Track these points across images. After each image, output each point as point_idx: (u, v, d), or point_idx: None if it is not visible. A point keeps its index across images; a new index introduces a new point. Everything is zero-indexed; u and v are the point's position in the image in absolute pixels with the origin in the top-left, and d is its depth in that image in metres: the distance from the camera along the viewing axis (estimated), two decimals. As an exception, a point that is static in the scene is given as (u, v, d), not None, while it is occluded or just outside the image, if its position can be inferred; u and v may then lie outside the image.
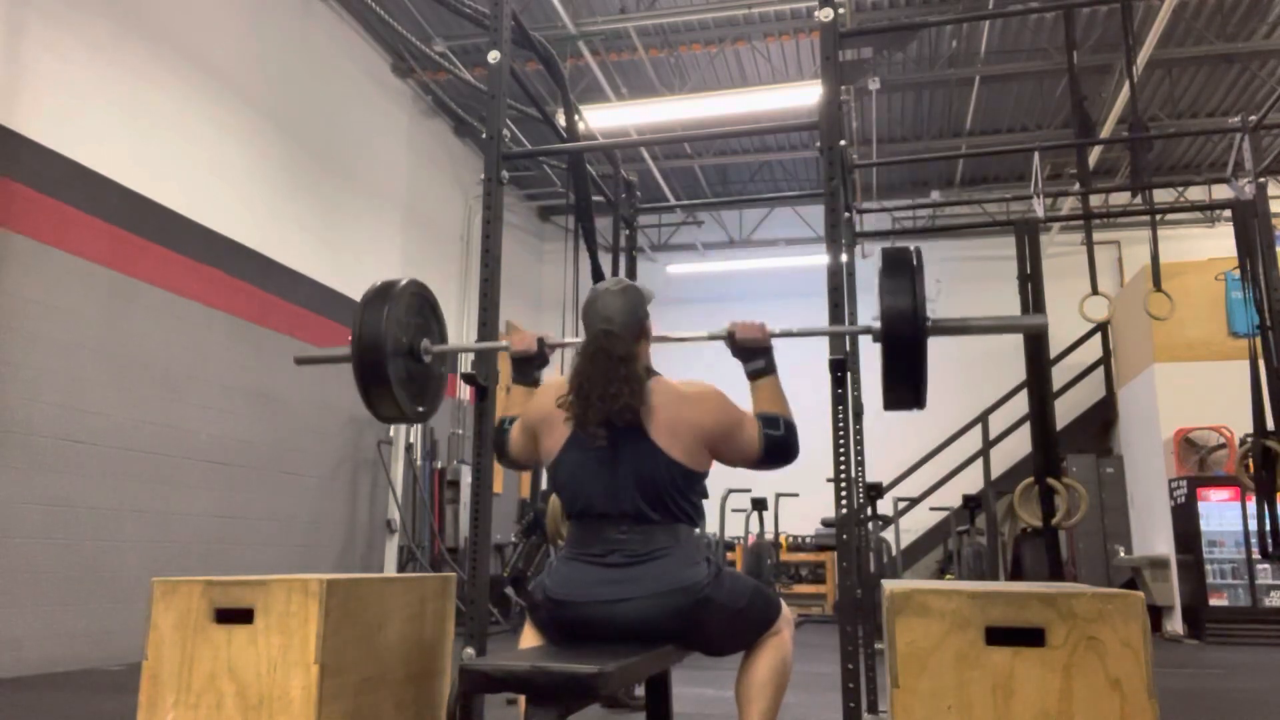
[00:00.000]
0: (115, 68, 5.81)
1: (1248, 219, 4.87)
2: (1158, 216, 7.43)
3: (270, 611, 2.07)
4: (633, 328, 2.28)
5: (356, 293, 9.31)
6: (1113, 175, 11.29)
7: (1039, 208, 9.29)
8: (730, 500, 9.48)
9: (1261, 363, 4.82)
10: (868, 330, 2.34)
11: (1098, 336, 10.90)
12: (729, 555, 10.34)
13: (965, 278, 11.89)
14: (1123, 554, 9.53)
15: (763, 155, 11.29)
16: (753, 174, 11.80)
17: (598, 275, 4.37)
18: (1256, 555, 7.11)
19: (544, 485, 9.19)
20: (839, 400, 2.52)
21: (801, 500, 9.87)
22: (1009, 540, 10.72)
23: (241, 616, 2.09)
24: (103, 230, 5.64)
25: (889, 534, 9.92)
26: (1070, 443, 10.28)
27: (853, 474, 2.80)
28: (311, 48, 7.88)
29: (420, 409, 2.72)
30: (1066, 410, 10.16)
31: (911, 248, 2.33)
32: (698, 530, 2.30)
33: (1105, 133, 8.54)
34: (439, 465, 8.99)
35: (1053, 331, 5.45)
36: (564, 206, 11.65)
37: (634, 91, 9.33)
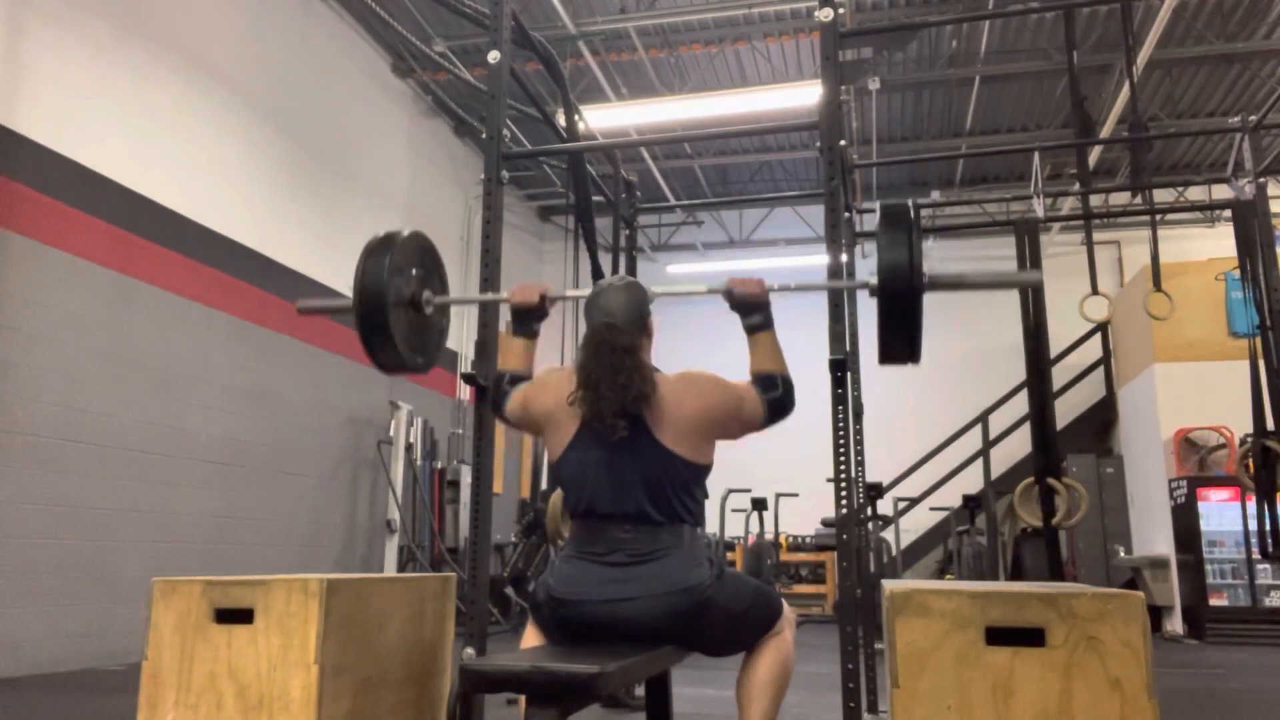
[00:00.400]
0: (115, 68, 5.81)
1: (1248, 219, 4.88)
2: (1158, 216, 7.44)
3: (270, 611, 2.07)
4: (635, 322, 2.29)
5: (356, 293, 9.08)
6: (1113, 175, 11.29)
7: (1039, 208, 9.30)
8: (730, 500, 9.48)
9: (1261, 363, 4.82)
10: (865, 285, 2.35)
11: (1098, 336, 10.90)
12: (729, 555, 10.34)
13: (965, 278, 11.89)
14: (1123, 554, 9.53)
15: (763, 155, 11.29)
16: (753, 174, 11.80)
17: (598, 275, 4.37)
18: (1256, 555, 7.11)
19: (544, 485, 9.21)
20: (839, 400, 2.52)
21: (801, 500, 9.88)
22: (1009, 540, 10.72)
23: (241, 616, 2.09)
24: (103, 230, 5.64)
25: (889, 534, 9.92)
26: (1070, 443, 10.28)
27: (853, 474, 2.80)
28: (311, 48, 7.88)
29: (420, 359, 2.71)
30: (1066, 410, 10.16)
31: (909, 202, 2.32)
32: (699, 531, 2.30)
33: (1105, 133, 8.54)
34: (439, 465, 8.99)
35: (1053, 331, 5.45)
36: (564, 206, 11.65)
37: (634, 91, 9.33)
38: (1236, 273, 5.17)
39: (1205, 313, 8.72)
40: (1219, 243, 10.12)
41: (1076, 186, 6.81)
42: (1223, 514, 8.25)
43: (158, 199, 6.09)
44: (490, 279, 2.88)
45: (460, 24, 8.24)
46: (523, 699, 1.81)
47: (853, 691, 2.38)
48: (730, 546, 10.52)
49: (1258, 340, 4.82)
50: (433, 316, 2.76)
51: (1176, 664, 6.53)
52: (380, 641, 2.27)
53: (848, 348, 4.28)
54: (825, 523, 10.16)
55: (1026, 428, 5.75)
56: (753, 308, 2.35)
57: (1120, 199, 10.65)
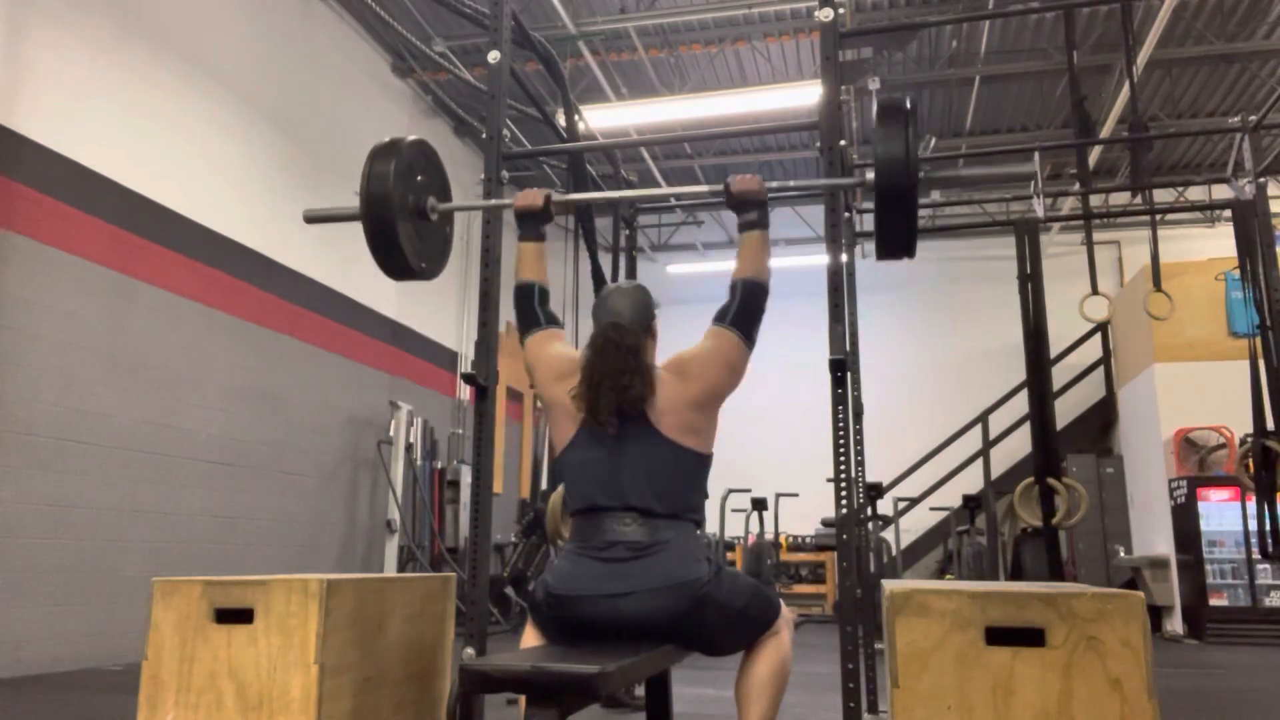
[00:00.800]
0: (115, 68, 5.81)
1: (1248, 219, 4.87)
2: (1158, 216, 7.43)
3: (270, 611, 2.07)
4: (640, 323, 2.37)
5: (357, 292, 9.27)
6: (1113, 175, 11.29)
7: (1039, 208, 9.29)
8: (730, 500, 9.49)
9: (1261, 363, 4.82)
10: (861, 183, 2.38)
11: (1098, 336, 10.91)
12: (729, 555, 10.34)
13: (965, 278, 11.91)
14: (1123, 554, 9.53)
15: (763, 155, 11.29)
16: (752, 174, 11.79)
17: (598, 275, 4.37)
18: (1256, 555, 7.11)
19: (544, 485, 9.21)
20: (839, 400, 2.52)
21: (801, 500, 9.88)
22: (1009, 540, 10.72)
23: (241, 616, 2.09)
24: (103, 230, 5.64)
25: (889, 534, 9.92)
26: (1070, 443, 10.29)
27: (853, 474, 2.80)
28: (311, 48, 7.88)
29: (424, 265, 2.73)
30: (1066, 410, 10.16)
31: (906, 97, 2.35)
32: (699, 531, 2.30)
33: (1105, 133, 8.54)
34: (439, 465, 8.99)
35: (1053, 331, 5.45)
36: (559, 210, 11.62)
37: (634, 91, 9.33)
38: (1236, 273, 5.17)
39: (1205, 313, 8.72)
40: (1219, 243, 10.13)
41: (1076, 186, 6.81)
42: (1223, 514, 8.25)
43: (158, 199, 6.09)
44: (490, 279, 2.88)
45: (460, 24, 8.24)
46: (523, 699, 1.81)
47: (853, 691, 2.38)
48: (730, 546, 10.52)
49: (1258, 340, 4.82)
50: (438, 223, 2.78)
51: (1176, 664, 6.53)
52: (380, 641, 2.27)
53: (847, 348, 4.28)
54: (825, 523, 10.17)
55: (1026, 428, 5.74)
56: (750, 204, 2.42)
57: (1120, 199, 10.66)
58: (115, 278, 5.70)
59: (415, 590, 2.48)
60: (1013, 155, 9.68)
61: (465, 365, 9.80)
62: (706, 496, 2.35)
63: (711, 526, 9.58)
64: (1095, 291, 6.17)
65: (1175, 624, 8.65)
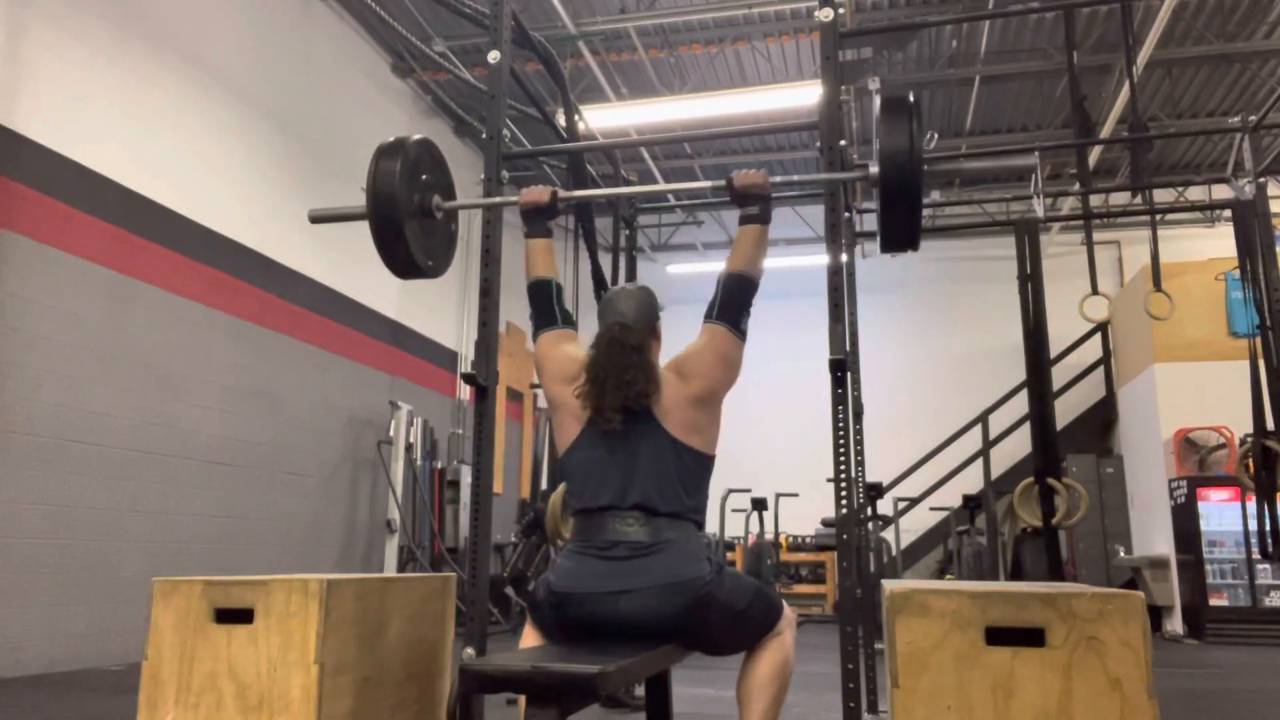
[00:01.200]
0: (115, 68, 5.81)
1: (1248, 219, 4.88)
2: (1158, 216, 7.43)
3: (270, 611, 2.07)
4: (645, 324, 2.38)
5: (356, 292, 9.26)
6: (1113, 175, 11.29)
7: (1039, 208, 9.28)
8: (730, 500, 9.48)
9: (1261, 363, 4.82)
10: (865, 176, 2.37)
11: (1098, 336, 10.91)
12: (729, 555, 10.34)
13: (965, 278, 11.91)
14: (1123, 554, 9.54)
15: (763, 155, 11.29)
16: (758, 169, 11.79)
17: (598, 275, 4.38)
18: (1256, 555, 7.11)
19: (544, 485, 9.21)
20: (839, 400, 2.52)
21: (801, 500, 9.88)
22: (1009, 540, 10.72)
23: (241, 616, 2.09)
24: (103, 230, 5.64)
25: (889, 534, 9.93)
26: (1070, 443, 10.29)
27: (853, 474, 2.80)
28: (311, 48, 7.88)
29: (431, 263, 2.74)
30: (1066, 410, 10.16)
31: (909, 92, 2.36)
32: (700, 531, 2.31)
33: (1105, 133, 8.54)
34: (439, 465, 8.99)
35: (1053, 331, 5.45)
36: (564, 207, 11.63)
37: (634, 91, 9.33)
38: (1236, 273, 5.17)
39: (1205, 313, 8.73)
40: (1219, 243, 10.12)
41: (1076, 186, 6.81)
42: (1223, 514, 8.25)
43: (158, 199, 6.09)
44: (490, 279, 2.88)
45: (460, 24, 8.24)
46: (523, 699, 1.81)
47: (853, 691, 2.38)
48: (730, 546, 10.52)
49: (1258, 340, 4.82)
50: (443, 222, 2.79)
51: (1176, 664, 6.53)
52: (380, 641, 2.27)
53: (847, 348, 4.28)
54: (825, 523, 10.17)
55: (1026, 428, 5.75)
56: (753, 198, 2.43)
57: (1120, 199, 10.66)
58: (115, 278, 5.70)
59: (415, 590, 2.48)
60: (1013, 151, 9.70)
61: (465, 365, 9.80)
62: (707, 498, 2.35)
63: (711, 526, 9.58)
64: (1095, 291, 6.18)
65: (1175, 624, 8.65)
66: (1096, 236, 7.52)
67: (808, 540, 11.25)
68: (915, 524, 10.90)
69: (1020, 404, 9.84)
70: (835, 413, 2.51)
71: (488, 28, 3.15)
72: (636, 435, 2.23)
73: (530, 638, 2.28)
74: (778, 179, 2.46)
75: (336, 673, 2.08)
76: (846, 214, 4.61)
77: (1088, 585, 2.07)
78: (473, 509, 2.79)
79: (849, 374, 3.11)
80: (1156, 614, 8.90)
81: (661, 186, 2.63)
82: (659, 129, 8.78)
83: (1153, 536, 9.20)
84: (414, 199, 2.64)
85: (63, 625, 5.18)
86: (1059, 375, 8.03)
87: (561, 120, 4.51)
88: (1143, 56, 7.42)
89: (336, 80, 8.23)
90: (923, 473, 10.95)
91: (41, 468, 5.10)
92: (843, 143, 2.73)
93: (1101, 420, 11.08)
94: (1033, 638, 1.77)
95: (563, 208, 2.66)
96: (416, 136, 2.70)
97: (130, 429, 5.70)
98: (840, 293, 2.61)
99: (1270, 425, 4.88)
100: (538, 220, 2.61)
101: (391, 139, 2.65)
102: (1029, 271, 5.26)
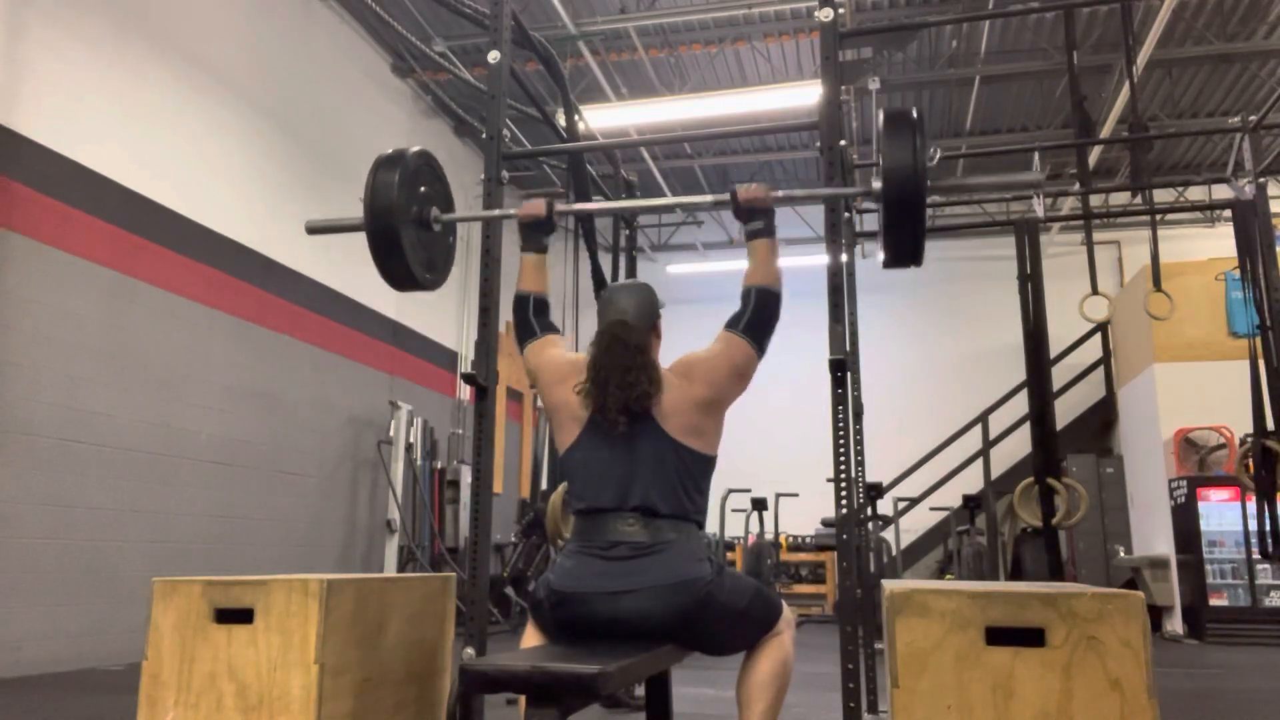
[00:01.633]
0: (115, 67, 5.81)
1: (1248, 219, 4.87)
2: (1158, 216, 7.43)
3: (270, 611, 2.07)
4: (645, 322, 2.37)
5: (356, 292, 9.25)
6: (1113, 175, 11.29)
7: (1039, 208, 9.28)
8: (730, 500, 9.48)
9: (1261, 363, 4.82)
10: (868, 192, 2.35)
11: (1098, 336, 10.91)
12: (729, 555, 10.34)
13: (965, 278, 11.91)
14: (1123, 554, 9.53)
15: (763, 155, 11.29)
16: (753, 174, 11.79)
17: (598, 275, 4.38)
18: (1256, 555, 7.10)
19: (544, 485, 9.21)
20: (839, 400, 2.52)
21: (801, 500, 9.88)
22: (1009, 540, 10.72)
23: (241, 616, 2.09)
24: (103, 230, 5.64)
25: (889, 534, 9.92)
26: (1070, 443, 10.29)
27: (853, 474, 2.80)
28: (311, 48, 7.88)
29: (429, 276, 2.73)
30: (1066, 410, 10.16)
31: (913, 108, 2.33)
32: (701, 531, 2.31)
33: (1105, 133, 8.54)
34: (439, 465, 8.99)
35: (1053, 331, 5.45)
36: (561, 220, 11.62)
37: (634, 91, 9.33)
38: (1236, 273, 5.17)
39: (1205, 313, 8.72)
40: (1219, 243, 10.12)
41: (1076, 186, 6.81)
42: (1223, 514, 8.24)
43: (158, 199, 6.09)
44: (490, 279, 2.88)
45: (460, 24, 8.24)
46: (523, 699, 1.81)
47: (853, 691, 2.38)
48: (730, 546, 10.52)
49: (1258, 340, 4.82)
50: (441, 234, 2.78)
51: (1176, 664, 6.53)
52: (380, 641, 2.27)
53: (847, 348, 4.28)
54: (825, 523, 10.17)
55: (1026, 428, 5.75)
56: (757, 213, 2.40)
57: (1120, 199, 10.66)
58: (115, 277, 5.70)
59: (415, 590, 2.48)
60: (1016, 165, 9.70)
61: (465, 365, 9.80)
62: (708, 498, 2.35)
63: (711, 526, 9.58)
64: (1095, 291, 6.18)
65: (1175, 624, 8.65)
66: (1096, 236, 7.52)
67: (808, 540, 11.25)
68: (915, 524, 10.90)
69: (1020, 404, 9.85)
70: (835, 413, 2.52)
71: (488, 28, 3.15)
72: (637, 436, 2.22)
73: (531, 637, 2.28)
74: (779, 194, 2.44)
75: (336, 673, 2.08)
76: (846, 214, 4.61)
77: (1088, 585, 2.07)
78: (473, 509, 2.79)
79: (849, 374, 3.11)
80: (1156, 614, 8.90)
81: (666, 201, 2.60)
82: (659, 129, 8.78)
83: (1153, 536, 9.20)
84: (412, 211, 2.62)
85: (63, 625, 5.18)
86: (1059, 375, 8.03)
87: (561, 120, 4.51)
88: (1143, 56, 7.42)
89: (336, 80, 8.23)
90: (923, 473, 10.95)
91: (41, 468, 5.10)
92: (843, 143, 2.73)
93: (1101, 420, 11.08)
94: (1033, 638, 1.77)
95: (560, 220, 2.64)
96: (415, 148, 2.68)
97: (130, 429, 5.70)
98: (840, 293, 2.61)
99: (1270, 425, 4.87)
100: (533, 235, 2.59)
101: (390, 150, 2.63)
102: (1029, 271, 5.27)
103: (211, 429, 6.39)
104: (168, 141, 6.21)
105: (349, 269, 7.87)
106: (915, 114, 2.30)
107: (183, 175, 6.33)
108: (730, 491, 9.39)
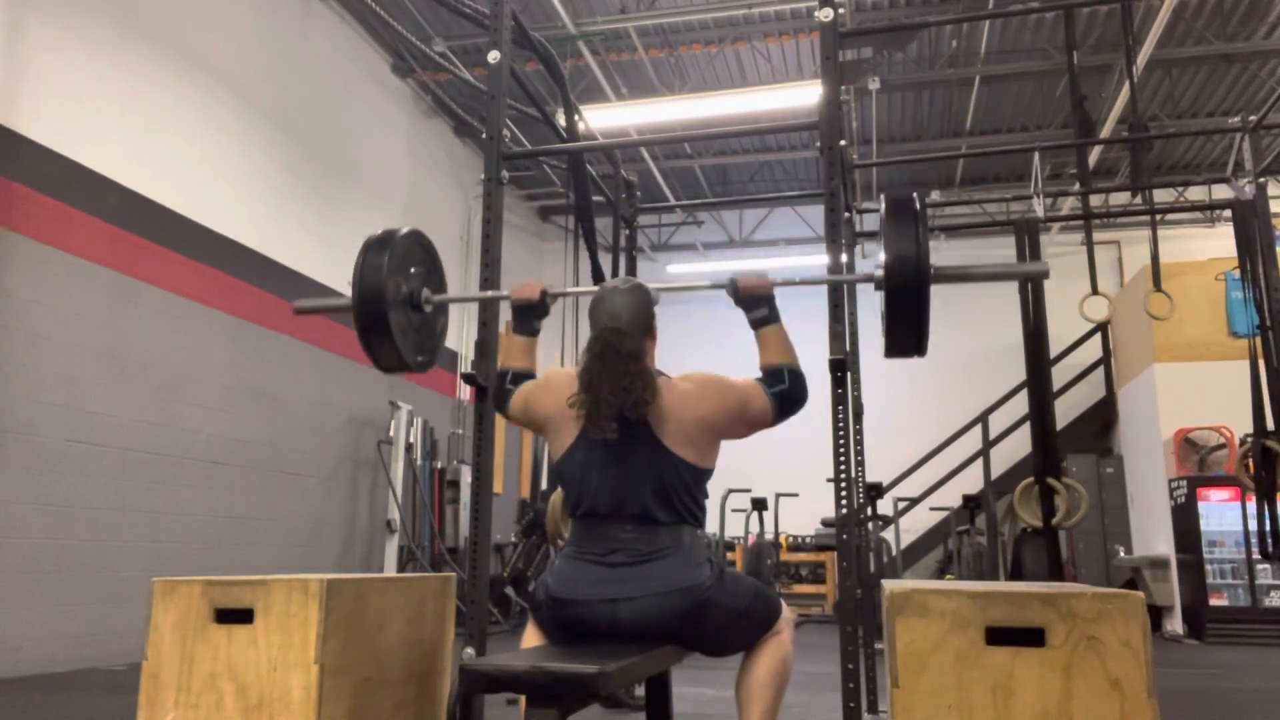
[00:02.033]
0: (115, 67, 5.81)
1: (1248, 219, 4.87)
2: (1158, 216, 7.43)
3: (270, 611, 2.07)
4: (640, 325, 2.29)
5: (356, 293, 9.06)
6: (1113, 175, 11.28)
7: (1039, 208, 9.30)
8: (730, 500, 9.48)
9: (1261, 363, 4.82)
10: (870, 278, 2.33)
11: (1098, 336, 10.90)
12: (729, 555, 10.34)
13: (965, 278, 11.89)
14: (1123, 554, 9.53)
15: (763, 155, 11.29)
16: (753, 174, 11.80)
17: (598, 275, 4.37)
18: (1256, 555, 7.10)
19: (544, 485, 9.20)
20: (839, 400, 2.52)
21: (801, 500, 9.88)
22: (1009, 540, 10.72)
23: (241, 616, 2.09)
24: (103, 230, 5.64)
25: (889, 534, 9.92)
26: (1070, 443, 10.28)
27: (853, 474, 2.80)
28: (311, 48, 7.88)
29: (420, 358, 2.71)
30: (1066, 410, 10.16)
31: (914, 194, 2.31)
32: (700, 532, 2.30)
33: (1105, 133, 8.54)
34: (439, 465, 8.99)
35: (1053, 331, 5.45)
36: (564, 206, 11.64)
37: (634, 91, 9.33)
38: (1236, 273, 5.17)
39: (1205, 313, 8.72)
40: (1219, 243, 10.12)
41: (1076, 186, 6.81)
42: (1223, 514, 8.24)
43: (158, 199, 6.09)
44: (490, 279, 2.88)
45: (460, 24, 8.24)
46: (523, 699, 1.81)
47: (853, 691, 2.38)
48: (730, 546, 10.51)
49: (1258, 340, 4.82)
50: (432, 315, 2.76)
51: (1176, 664, 6.53)
52: (380, 641, 2.27)
53: (848, 348, 4.29)
54: (825, 523, 10.16)
55: (1026, 428, 5.74)
56: (758, 302, 2.36)
57: (1120, 199, 10.65)
58: (116, 278, 5.70)
59: (415, 590, 2.48)
60: (1016, 165, 9.70)
61: (465, 365, 9.79)
62: (707, 497, 2.34)
63: (712, 526, 9.58)
64: (1095, 291, 6.18)
65: (1175, 624, 8.65)
66: (1096, 236, 7.52)
67: (808, 540, 11.25)
68: (915, 524, 10.90)
69: (1020, 404, 9.84)
70: (835, 413, 2.52)
71: (488, 28, 3.15)
72: (632, 443, 2.18)
73: (531, 637, 2.28)
74: (779, 280, 2.40)
75: (336, 673, 2.07)
76: (846, 214, 4.61)
77: (1088, 585, 2.07)
78: (473, 509, 2.79)
79: (849, 374, 3.11)
80: (1156, 614, 8.90)
81: (666, 285, 2.56)
82: (659, 129, 8.78)
83: (1153, 536, 9.20)
84: (402, 292, 2.59)
85: (63, 625, 5.18)
86: (1059, 375, 8.02)
87: (561, 120, 4.51)
88: (1143, 56, 7.42)
89: (336, 80, 8.23)
90: (923, 473, 10.95)
91: (41, 468, 5.10)
92: (843, 143, 2.73)
93: (1101, 420, 11.08)
94: (1033, 638, 1.77)
95: (553, 303, 2.57)
96: (406, 229, 2.65)
97: (130, 429, 5.70)
98: (840, 293, 2.62)
99: (1270, 425, 4.88)
100: (525, 317, 2.52)
101: (380, 231, 2.61)
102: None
103: (211, 429, 6.39)
104: (168, 141, 6.21)
105: (349, 269, 7.85)
106: (918, 203, 2.26)
107: (183, 175, 6.33)
108: (730, 491, 9.39)
